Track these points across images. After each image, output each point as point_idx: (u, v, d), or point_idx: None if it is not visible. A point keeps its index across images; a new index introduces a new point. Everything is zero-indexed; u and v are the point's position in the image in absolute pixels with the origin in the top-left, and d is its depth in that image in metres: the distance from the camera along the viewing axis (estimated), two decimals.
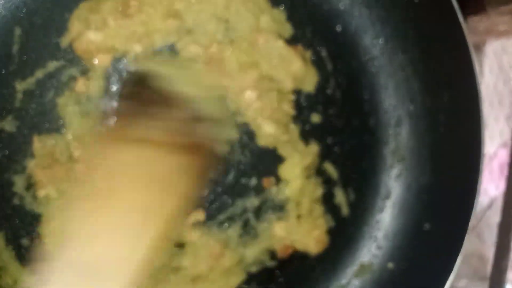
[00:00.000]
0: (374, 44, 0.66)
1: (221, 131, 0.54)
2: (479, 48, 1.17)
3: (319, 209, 0.64)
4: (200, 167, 0.50)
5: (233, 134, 0.59)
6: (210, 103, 0.53)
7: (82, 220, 0.44)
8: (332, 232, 0.64)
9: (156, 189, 0.47)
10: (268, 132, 0.62)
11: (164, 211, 0.46)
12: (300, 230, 0.63)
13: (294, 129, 0.64)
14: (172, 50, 0.61)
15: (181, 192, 0.48)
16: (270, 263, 0.63)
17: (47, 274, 0.42)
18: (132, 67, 0.59)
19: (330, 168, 0.65)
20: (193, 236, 0.61)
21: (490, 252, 1.14)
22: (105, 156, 0.47)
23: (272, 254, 0.63)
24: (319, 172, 0.65)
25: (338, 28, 0.65)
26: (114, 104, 0.59)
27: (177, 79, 0.52)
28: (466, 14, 0.77)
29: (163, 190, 0.47)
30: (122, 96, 0.56)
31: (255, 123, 0.63)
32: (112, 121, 0.56)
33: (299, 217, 0.63)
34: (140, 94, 0.51)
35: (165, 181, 0.47)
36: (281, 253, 0.63)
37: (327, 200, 0.65)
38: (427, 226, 0.63)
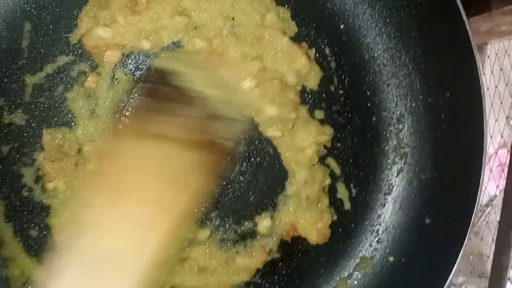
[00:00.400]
0: (377, 42, 0.66)
1: (233, 129, 0.54)
2: (481, 49, 1.17)
3: (326, 201, 0.65)
4: (212, 164, 0.51)
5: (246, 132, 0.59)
6: (225, 102, 0.54)
7: (95, 212, 0.45)
8: (334, 226, 0.65)
9: (170, 184, 0.48)
10: (271, 113, 0.62)
11: (177, 205, 0.47)
12: (307, 217, 0.64)
13: (303, 109, 0.64)
14: (178, 45, 0.61)
15: (193, 188, 0.49)
16: (275, 255, 0.64)
17: (58, 265, 0.43)
18: (151, 63, 0.59)
19: (332, 163, 0.66)
20: (205, 233, 0.63)
21: (488, 249, 1.15)
22: (120, 151, 0.48)
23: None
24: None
25: (342, 26, 0.66)
26: (130, 99, 0.60)
27: (194, 78, 0.53)
28: (469, 15, 0.78)
29: (176, 185, 0.48)
30: (140, 92, 0.56)
31: (255, 107, 0.62)
32: (128, 116, 0.56)
33: (308, 199, 0.64)
34: (157, 91, 0.51)
35: (179, 176, 0.48)
36: (286, 235, 0.64)
37: (330, 194, 0.66)
38: (428, 220, 0.64)
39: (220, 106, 0.53)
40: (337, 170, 0.66)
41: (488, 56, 1.28)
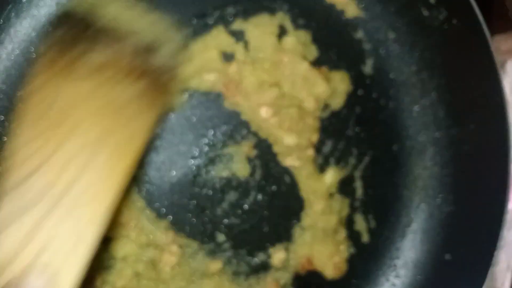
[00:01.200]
0: (401, 69, 0.64)
1: (171, 61, 0.52)
2: (500, 66, 1.15)
3: (343, 233, 0.63)
4: (153, 97, 0.50)
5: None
6: (155, 32, 0.52)
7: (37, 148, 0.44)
8: (351, 259, 0.63)
9: (112, 118, 0.46)
10: (290, 143, 0.61)
11: (120, 138, 0.46)
12: (324, 250, 0.62)
13: None
14: None
15: (136, 121, 0.47)
16: None
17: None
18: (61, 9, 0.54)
19: (352, 193, 0.64)
20: (217, 265, 0.61)
21: (498, 268, 1.12)
22: (57, 92, 0.46)
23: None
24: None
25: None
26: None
27: (119, 15, 0.50)
28: (491, 34, 0.76)
29: (119, 118, 0.46)
30: (51, 41, 0.49)
31: (273, 136, 0.61)
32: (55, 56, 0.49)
33: (324, 230, 0.62)
34: (76, 37, 0.48)
35: (120, 108, 0.47)
36: (301, 268, 0.62)
37: (348, 226, 0.64)
38: (448, 256, 0.61)
39: (152, 37, 0.51)
40: (356, 200, 0.64)
41: (508, 74, 1.26)
